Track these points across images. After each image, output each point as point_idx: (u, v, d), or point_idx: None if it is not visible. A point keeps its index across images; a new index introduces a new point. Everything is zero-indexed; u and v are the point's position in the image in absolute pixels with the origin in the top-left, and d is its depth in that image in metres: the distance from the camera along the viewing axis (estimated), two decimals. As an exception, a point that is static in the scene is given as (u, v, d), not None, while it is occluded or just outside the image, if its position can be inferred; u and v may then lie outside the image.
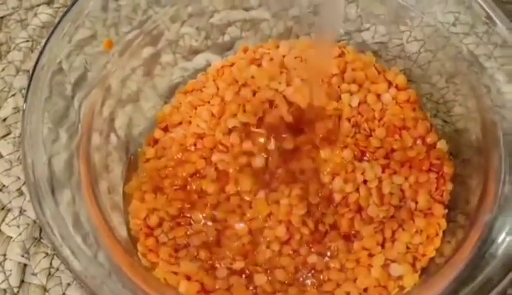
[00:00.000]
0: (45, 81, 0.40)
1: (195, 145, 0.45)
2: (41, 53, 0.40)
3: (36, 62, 0.39)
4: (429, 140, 0.45)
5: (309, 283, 0.41)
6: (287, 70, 0.48)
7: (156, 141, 0.47)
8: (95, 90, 0.42)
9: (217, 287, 0.40)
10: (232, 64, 0.49)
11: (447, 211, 0.43)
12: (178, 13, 0.47)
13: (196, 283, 0.40)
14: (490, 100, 0.42)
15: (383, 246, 0.42)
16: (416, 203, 0.43)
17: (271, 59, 0.48)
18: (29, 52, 0.52)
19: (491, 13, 0.42)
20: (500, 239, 0.37)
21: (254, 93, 0.47)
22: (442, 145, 0.45)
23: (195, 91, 0.48)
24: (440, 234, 0.42)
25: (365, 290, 0.41)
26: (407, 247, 0.42)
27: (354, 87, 0.46)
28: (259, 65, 0.48)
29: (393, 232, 0.42)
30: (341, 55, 0.48)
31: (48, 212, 0.37)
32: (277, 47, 0.49)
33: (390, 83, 0.47)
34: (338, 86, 0.47)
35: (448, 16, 0.45)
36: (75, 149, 0.40)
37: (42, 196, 0.37)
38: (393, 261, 0.41)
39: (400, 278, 0.41)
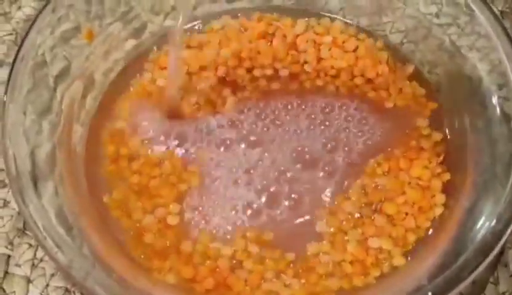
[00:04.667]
0: (27, 73, 0.39)
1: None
2: (21, 45, 0.40)
3: (16, 54, 0.39)
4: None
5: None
6: (297, 53, 0.48)
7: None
8: (77, 82, 0.42)
9: None
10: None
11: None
12: (161, 6, 0.47)
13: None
14: (472, 90, 0.43)
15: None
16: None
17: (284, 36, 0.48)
18: (13, 45, 0.51)
19: (472, 5, 0.42)
20: (478, 225, 0.37)
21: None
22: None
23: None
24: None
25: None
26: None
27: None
28: (270, 42, 0.48)
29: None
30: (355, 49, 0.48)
31: (30, 204, 0.37)
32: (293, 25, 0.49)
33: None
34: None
35: (431, 8, 0.45)
36: (57, 141, 0.40)
37: (25, 189, 0.37)
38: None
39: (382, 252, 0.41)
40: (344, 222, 0.42)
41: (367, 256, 0.41)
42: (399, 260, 0.41)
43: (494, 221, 0.37)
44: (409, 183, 0.43)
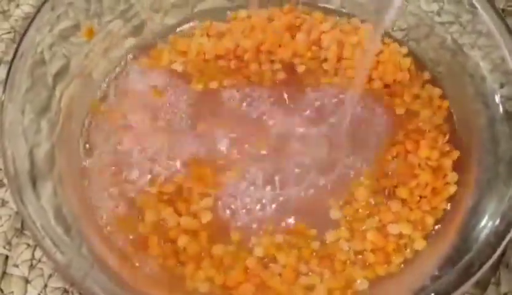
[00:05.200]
0: (25, 71, 0.39)
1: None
2: (19, 43, 0.39)
3: (15, 53, 0.39)
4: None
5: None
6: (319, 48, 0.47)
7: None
8: (76, 80, 0.42)
9: None
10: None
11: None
12: (160, 4, 0.47)
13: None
14: (475, 89, 0.42)
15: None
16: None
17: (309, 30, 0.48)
18: (11, 43, 0.51)
19: (475, 3, 0.42)
20: (482, 224, 0.37)
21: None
22: None
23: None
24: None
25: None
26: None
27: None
28: (293, 36, 0.47)
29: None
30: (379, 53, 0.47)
31: (29, 204, 0.36)
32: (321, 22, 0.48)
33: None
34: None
35: (432, 5, 0.45)
36: (56, 140, 0.40)
37: (23, 189, 0.37)
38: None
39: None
40: (360, 210, 0.41)
41: (387, 243, 0.40)
42: (420, 244, 0.40)
43: (498, 221, 0.37)
44: (419, 165, 0.43)
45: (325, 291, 0.39)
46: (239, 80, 0.46)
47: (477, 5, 0.42)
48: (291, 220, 0.41)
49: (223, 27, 0.48)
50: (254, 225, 0.41)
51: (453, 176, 0.42)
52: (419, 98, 0.45)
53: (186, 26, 0.48)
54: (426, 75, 0.46)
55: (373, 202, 0.42)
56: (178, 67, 0.46)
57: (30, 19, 0.40)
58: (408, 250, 0.40)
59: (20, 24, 0.52)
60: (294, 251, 0.40)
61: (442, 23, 0.45)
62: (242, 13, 0.49)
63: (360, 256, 0.40)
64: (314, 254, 0.40)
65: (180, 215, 0.41)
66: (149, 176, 0.43)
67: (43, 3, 0.41)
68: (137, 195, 0.42)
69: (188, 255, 0.40)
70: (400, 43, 0.47)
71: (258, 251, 0.40)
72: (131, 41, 0.47)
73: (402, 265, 0.40)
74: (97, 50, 0.44)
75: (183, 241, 0.40)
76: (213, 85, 0.46)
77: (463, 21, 0.43)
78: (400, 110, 0.45)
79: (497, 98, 0.41)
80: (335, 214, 0.42)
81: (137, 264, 0.40)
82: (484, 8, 0.41)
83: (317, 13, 0.48)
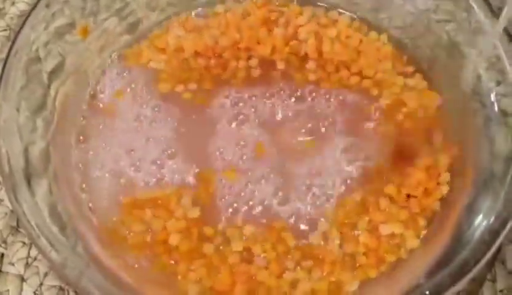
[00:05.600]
0: (20, 69, 0.39)
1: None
2: (14, 40, 0.39)
3: (9, 50, 0.39)
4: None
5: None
6: (299, 42, 0.47)
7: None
8: (71, 78, 0.42)
9: None
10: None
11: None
12: (156, 2, 0.47)
13: None
14: (470, 87, 0.42)
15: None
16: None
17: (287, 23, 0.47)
18: (6, 41, 0.51)
19: (471, 1, 0.42)
20: (476, 223, 0.37)
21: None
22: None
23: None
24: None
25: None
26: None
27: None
28: (270, 30, 0.47)
29: None
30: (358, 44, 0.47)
31: (24, 203, 0.36)
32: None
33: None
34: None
35: (429, 3, 0.45)
36: (51, 138, 0.40)
37: (18, 187, 0.37)
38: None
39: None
40: (348, 210, 0.42)
41: (380, 244, 0.41)
42: (413, 243, 0.41)
43: (492, 219, 0.37)
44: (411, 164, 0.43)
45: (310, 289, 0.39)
46: (219, 81, 0.46)
47: (472, 3, 0.41)
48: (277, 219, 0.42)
49: (201, 22, 0.47)
50: (239, 222, 0.41)
51: (446, 176, 0.42)
52: (409, 91, 0.45)
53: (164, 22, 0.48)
54: (415, 69, 0.46)
55: (362, 201, 0.42)
56: (156, 65, 0.46)
57: (25, 17, 0.40)
58: (402, 250, 0.41)
59: (15, 22, 0.52)
60: (280, 247, 0.41)
61: (438, 21, 0.44)
62: (219, 8, 0.48)
63: (349, 258, 0.41)
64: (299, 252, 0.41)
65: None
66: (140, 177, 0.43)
67: (38, 1, 0.40)
68: (124, 198, 0.42)
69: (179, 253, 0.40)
70: (380, 31, 0.47)
71: (237, 246, 0.40)
72: (126, 39, 0.46)
73: (395, 265, 0.40)
74: (92, 48, 0.44)
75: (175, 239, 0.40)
76: (179, 88, 0.45)
77: (459, 19, 0.43)
78: (386, 101, 0.45)
79: (493, 96, 0.41)
80: (325, 216, 0.42)
81: (132, 263, 0.40)
82: (480, 7, 0.41)
83: (294, 5, 0.48)
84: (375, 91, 0.45)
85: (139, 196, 0.42)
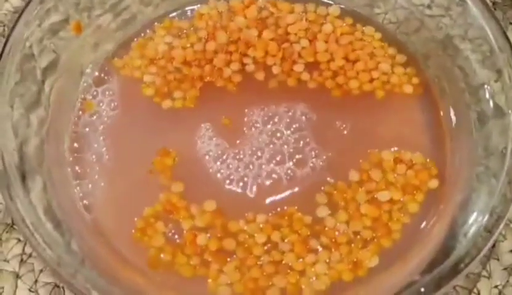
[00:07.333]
0: (14, 65, 0.39)
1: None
2: (8, 37, 0.39)
3: (3, 47, 0.39)
4: None
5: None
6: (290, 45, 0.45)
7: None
8: (65, 75, 0.42)
9: None
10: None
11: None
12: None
13: None
14: (465, 82, 0.42)
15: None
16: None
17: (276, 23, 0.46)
18: (0, 37, 0.51)
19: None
20: (471, 219, 0.37)
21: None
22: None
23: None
24: None
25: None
26: None
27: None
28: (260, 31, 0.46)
29: None
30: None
31: (18, 200, 0.36)
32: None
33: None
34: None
35: (423, -2, 0.45)
36: (45, 135, 0.40)
37: (12, 184, 0.37)
38: None
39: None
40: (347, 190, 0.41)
41: (381, 213, 0.41)
42: (413, 208, 0.41)
43: (487, 215, 0.37)
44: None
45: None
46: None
47: (466, -2, 0.42)
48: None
49: (185, 25, 0.46)
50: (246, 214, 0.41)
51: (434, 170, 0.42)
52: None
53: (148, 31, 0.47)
54: (409, 64, 0.46)
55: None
56: (146, 78, 0.45)
57: (19, 14, 0.40)
58: (403, 215, 0.41)
59: (9, 19, 0.51)
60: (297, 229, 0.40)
61: (432, 16, 0.44)
62: (204, 8, 0.47)
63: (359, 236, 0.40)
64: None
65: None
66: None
67: (30, -3, 0.40)
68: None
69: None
70: (373, 25, 0.47)
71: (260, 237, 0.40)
72: (120, 35, 0.46)
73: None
74: (87, 45, 0.44)
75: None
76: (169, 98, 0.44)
77: (453, 14, 0.43)
78: (379, 94, 0.45)
79: (487, 92, 0.41)
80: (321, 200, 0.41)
81: (130, 260, 0.40)
82: (474, 2, 0.41)
83: (284, 2, 0.46)
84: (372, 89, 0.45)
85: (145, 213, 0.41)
